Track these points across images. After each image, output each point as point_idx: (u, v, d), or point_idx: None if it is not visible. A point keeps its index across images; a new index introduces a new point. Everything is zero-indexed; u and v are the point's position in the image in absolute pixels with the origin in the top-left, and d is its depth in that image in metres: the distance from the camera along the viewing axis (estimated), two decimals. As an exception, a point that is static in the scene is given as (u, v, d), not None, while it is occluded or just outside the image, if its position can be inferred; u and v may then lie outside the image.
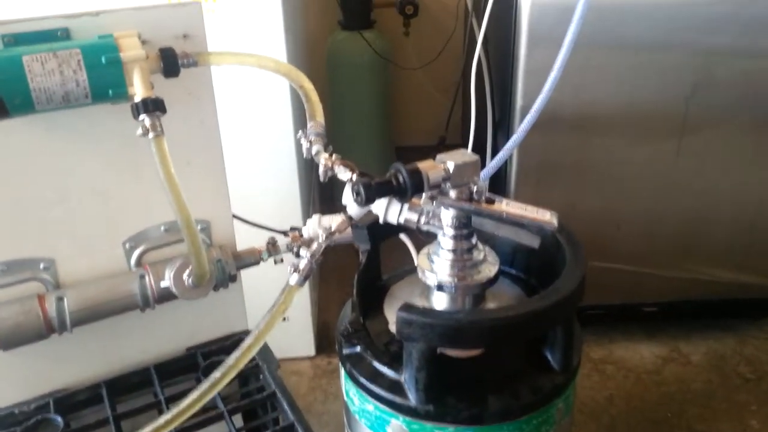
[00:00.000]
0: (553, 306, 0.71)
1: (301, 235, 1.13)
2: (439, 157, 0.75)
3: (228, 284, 1.07)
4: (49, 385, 1.03)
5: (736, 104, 1.51)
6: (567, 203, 1.62)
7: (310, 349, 1.76)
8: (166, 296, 1.03)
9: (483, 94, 1.71)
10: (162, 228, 1.06)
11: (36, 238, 0.98)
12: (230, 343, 1.16)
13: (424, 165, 0.72)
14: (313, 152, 0.85)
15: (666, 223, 1.64)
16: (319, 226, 1.10)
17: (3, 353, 0.95)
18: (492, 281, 0.80)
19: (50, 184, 0.96)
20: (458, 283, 0.79)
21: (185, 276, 0.98)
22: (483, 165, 1.77)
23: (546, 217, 0.74)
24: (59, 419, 0.96)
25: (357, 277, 0.85)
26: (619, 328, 1.79)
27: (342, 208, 0.88)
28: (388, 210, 0.79)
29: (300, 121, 1.66)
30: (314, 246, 0.81)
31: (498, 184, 1.60)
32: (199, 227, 1.09)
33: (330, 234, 0.80)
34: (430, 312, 0.70)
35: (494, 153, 1.73)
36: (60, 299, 0.97)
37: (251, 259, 1.09)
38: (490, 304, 0.84)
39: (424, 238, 0.85)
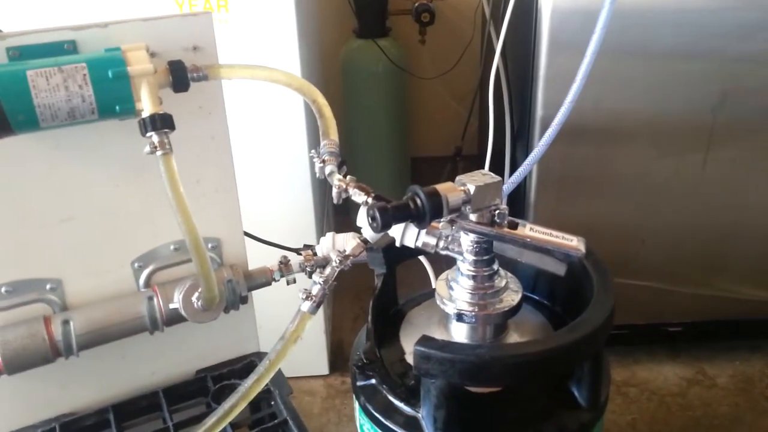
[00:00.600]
0: (581, 340, 0.67)
1: (315, 254, 1.09)
2: (459, 178, 0.71)
3: (239, 306, 1.04)
4: (55, 409, 1.01)
5: (766, 114, 1.45)
6: (589, 218, 1.57)
7: (323, 368, 1.72)
8: (175, 318, 1.00)
9: (501, 104, 1.67)
10: (171, 247, 1.03)
11: (42, 258, 0.95)
12: (241, 365, 1.12)
13: (443, 187, 0.68)
14: (327, 173, 0.81)
15: (692, 238, 1.58)
16: (333, 247, 1.06)
17: (8, 376, 0.92)
18: (515, 310, 0.76)
19: (56, 203, 0.94)
20: (479, 312, 0.74)
21: (194, 299, 0.95)
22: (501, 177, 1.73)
23: (572, 242, 0.70)
24: (65, 446, 0.93)
25: (372, 303, 0.81)
26: (643, 349, 1.73)
27: (356, 224, 0.85)
28: (405, 233, 0.75)
29: (314, 133, 1.62)
30: (327, 271, 0.77)
31: (516, 197, 1.55)
32: (209, 246, 1.06)
33: (344, 258, 0.76)
34: (449, 346, 0.65)
35: (513, 164, 1.69)
36: (66, 322, 0.94)
37: (263, 279, 1.06)
38: (513, 335, 0.79)
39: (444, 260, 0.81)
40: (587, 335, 0.67)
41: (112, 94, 0.83)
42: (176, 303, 0.98)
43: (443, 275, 0.80)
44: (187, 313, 0.97)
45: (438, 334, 0.80)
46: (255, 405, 1.05)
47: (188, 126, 0.97)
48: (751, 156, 1.50)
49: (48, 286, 0.96)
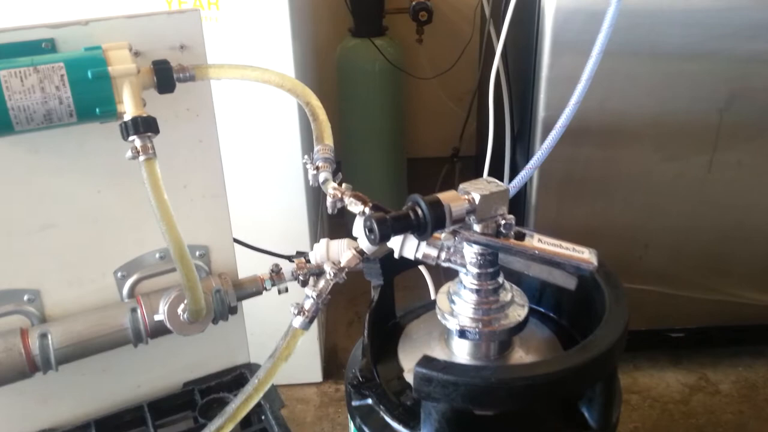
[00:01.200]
0: (594, 360, 0.62)
1: (308, 261, 1.05)
2: (463, 186, 0.66)
3: (228, 316, 0.99)
4: (34, 425, 0.97)
5: (774, 116, 1.41)
6: (591, 221, 1.53)
7: (316, 375, 1.67)
8: (160, 330, 0.95)
9: (501, 105, 1.62)
10: (157, 255, 0.98)
11: (19, 268, 0.90)
12: (231, 378, 1.08)
13: (445, 197, 0.63)
14: (320, 180, 0.76)
15: (696, 242, 1.54)
16: (327, 254, 1.02)
17: (-16, 391, 0.87)
18: (521, 326, 0.71)
19: (34, 209, 0.89)
20: (483, 329, 0.69)
21: (180, 310, 0.90)
22: (501, 180, 1.69)
23: (584, 255, 0.65)
24: (44, 463, 0.89)
25: (368, 317, 0.76)
26: (644, 355, 1.69)
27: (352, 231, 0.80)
28: (404, 244, 0.70)
29: (308, 133, 1.57)
30: (321, 284, 0.72)
31: (517, 200, 1.50)
32: (197, 254, 1.02)
33: (339, 270, 0.71)
34: (452, 368, 0.61)
35: (513, 167, 1.64)
36: (44, 336, 0.89)
37: (253, 288, 1.01)
38: (518, 351, 0.74)
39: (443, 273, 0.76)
40: (600, 355, 0.62)
41: (91, 95, 0.78)
42: (161, 315, 0.93)
43: (444, 287, 0.75)
44: (172, 326, 0.92)
45: (438, 351, 0.76)
46: (245, 420, 1.00)
47: (175, 129, 0.93)
48: (759, 158, 1.46)
49: (25, 297, 0.91)
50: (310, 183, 0.78)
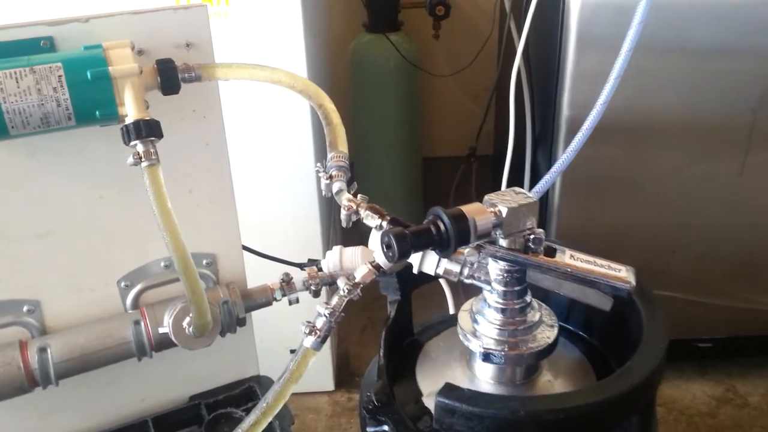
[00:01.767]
0: (631, 392, 0.57)
1: (320, 270, 1.00)
2: (488, 198, 0.61)
3: (236, 329, 0.94)
4: (35, 440, 0.92)
5: (811, 116, 1.34)
6: (617, 225, 1.46)
7: (328, 384, 1.62)
8: (165, 343, 0.91)
9: (521, 104, 1.56)
10: (162, 264, 0.94)
11: (18, 278, 0.86)
12: (239, 391, 1.03)
13: (470, 209, 0.58)
14: (334, 191, 0.71)
15: (726, 248, 1.47)
16: (340, 263, 0.97)
17: (-18, 406, 0.84)
18: (550, 349, 0.65)
19: (34, 216, 0.85)
20: (509, 352, 0.64)
21: (185, 324, 0.85)
22: (521, 183, 1.63)
23: (620, 273, 0.60)
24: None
25: (384, 335, 0.71)
26: (670, 365, 1.61)
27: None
28: (424, 260, 0.65)
29: (320, 135, 1.52)
30: (334, 301, 0.67)
31: (539, 203, 1.44)
32: (204, 262, 0.97)
33: (353, 287, 0.66)
34: (477, 398, 0.55)
35: (534, 169, 1.58)
36: (43, 350, 0.85)
37: (263, 298, 0.96)
38: (546, 374, 0.69)
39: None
40: (638, 385, 0.57)
41: (91, 97, 0.73)
42: (166, 327, 0.89)
43: (467, 305, 0.70)
44: (178, 340, 0.88)
45: (460, 373, 0.70)
46: (253, 438, 0.96)
47: (180, 131, 0.88)
48: (793, 161, 1.38)
49: (25, 308, 0.87)
50: (323, 193, 0.73)
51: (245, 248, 1.01)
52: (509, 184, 1.55)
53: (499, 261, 0.63)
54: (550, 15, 1.35)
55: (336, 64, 2.07)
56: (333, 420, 1.55)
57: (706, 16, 1.27)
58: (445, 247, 0.56)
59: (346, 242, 0.94)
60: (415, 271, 0.67)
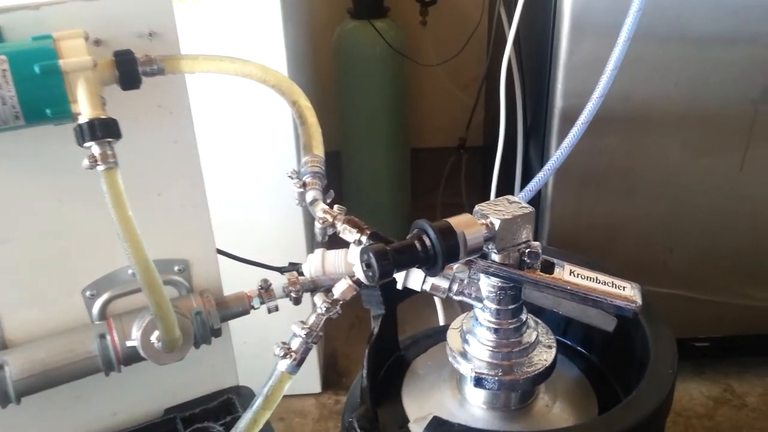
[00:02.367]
0: (638, 426, 0.51)
1: (301, 274, 0.94)
2: (479, 208, 0.55)
3: (210, 340, 0.88)
4: (-5, 460, 0.86)
5: (814, 108, 1.29)
6: (612, 219, 1.41)
7: (315, 386, 1.57)
8: (135, 357, 0.84)
9: (512, 94, 1.50)
10: (130, 271, 0.87)
11: (-27, 289, 0.80)
12: (217, 403, 0.98)
13: (459, 222, 0.51)
14: (308, 200, 0.64)
15: (726, 244, 1.42)
16: (322, 267, 0.91)
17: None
18: (548, 372, 0.60)
19: (-13, 223, 0.78)
20: (503, 377, 0.58)
21: (153, 338, 0.79)
22: (512, 180, 1.57)
23: (625, 291, 0.54)
24: None
25: (367, 353, 0.65)
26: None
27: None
28: (408, 275, 0.59)
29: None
30: (311, 320, 0.61)
31: (531, 199, 1.38)
32: (175, 269, 0.91)
33: (332, 304, 0.59)
34: (469, 434, 0.50)
35: (525, 162, 1.52)
36: (0, 367, 0.78)
37: (239, 307, 0.90)
38: (544, 397, 0.63)
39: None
40: (646, 418, 0.51)
41: (40, 94, 0.66)
42: (135, 340, 0.82)
43: (457, 321, 0.64)
44: (146, 354, 0.82)
45: (449, 396, 0.65)
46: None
47: (145, 129, 0.82)
48: (795, 154, 1.33)
49: (-20, 322, 0.80)
50: (296, 203, 0.66)
51: (220, 252, 0.95)
52: (500, 179, 1.49)
53: (491, 277, 0.57)
54: (541, 1, 1.28)
55: (319, 53, 2.00)
56: (320, 424, 1.50)
57: (707, 4, 1.21)
58: (431, 265, 0.50)
59: (332, 244, 0.87)
60: (399, 286, 0.61)
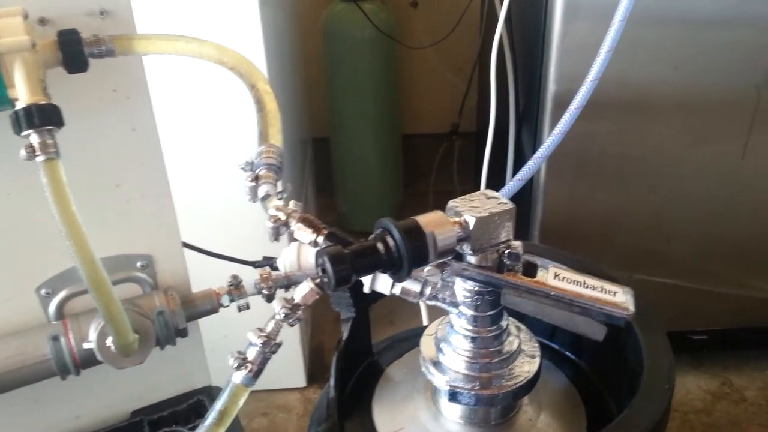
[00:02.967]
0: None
1: (275, 268, 0.88)
2: (452, 204, 0.49)
3: (175, 341, 0.82)
4: (-51, 468, 0.82)
5: (819, 92, 1.22)
6: (608, 209, 1.35)
7: (300, 380, 1.51)
8: (93, 359, 0.79)
9: (504, 77, 1.43)
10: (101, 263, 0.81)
11: None
12: (186, 406, 0.93)
13: (428, 221, 0.46)
14: (260, 196, 0.58)
15: (726, 236, 1.37)
16: (297, 263, 0.85)
17: None
18: (531, 384, 0.54)
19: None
20: (480, 391, 0.53)
21: (109, 342, 0.73)
22: (504, 168, 1.51)
23: (617, 297, 0.48)
24: None
25: (335, 361, 0.59)
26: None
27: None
28: (376, 277, 0.53)
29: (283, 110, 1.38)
30: (270, 327, 0.55)
31: (522, 188, 1.32)
32: (138, 264, 0.85)
33: (292, 310, 0.54)
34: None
35: (517, 149, 1.46)
36: (-56, 372, 0.72)
37: (207, 305, 0.85)
38: (527, 410, 0.58)
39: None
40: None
41: (-28, 77, 0.60)
42: (91, 342, 0.77)
43: (432, 327, 0.58)
44: (103, 357, 0.76)
45: (423, 409, 0.59)
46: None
47: (100, 116, 0.76)
48: (799, 141, 1.27)
49: (-74, 324, 0.75)
50: (248, 198, 0.60)
51: (187, 246, 0.89)
52: (491, 166, 1.43)
53: (467, 281, 0.51)
54: (535, -22, 1.22)
55: (306, 35, 1.93)
56: (305, 419, 1.45)
57: (708, -18, 1.15)
58: (396, 269, 0.45)
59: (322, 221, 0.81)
60: (366, 290, 0.55)
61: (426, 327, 0.61)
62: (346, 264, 0.43)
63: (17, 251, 0.79)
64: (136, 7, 0.73)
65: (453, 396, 0.53)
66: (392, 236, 0.44)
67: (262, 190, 0.58)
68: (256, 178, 0.59)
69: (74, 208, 0.61)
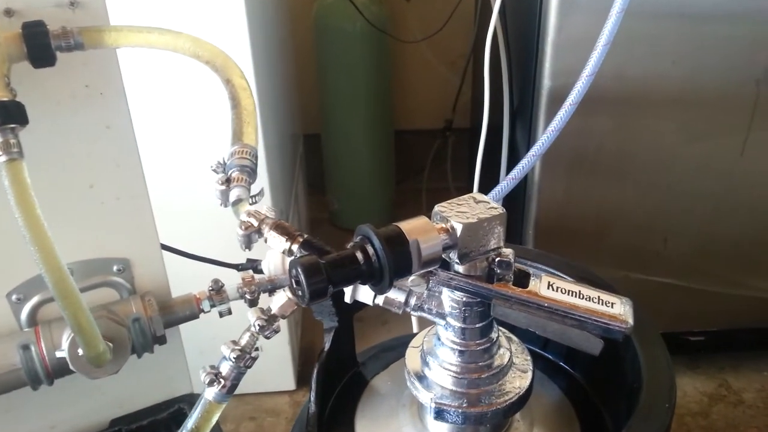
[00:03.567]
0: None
1: (260, 271, 0.85)
2: (438, 209, 0.45)
3: (152, 348, 0.79)
4: None
5: (820, 87, 1.19)
6: (603, 208, 1.32)
7: (289, 383, 1.48)
8: (67, 368, 0.75)
9: (498, 73, 1.40)
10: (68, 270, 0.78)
11: None
12: (167, 414, 0.90)
13: (411, 228, 0.42)
14: (231, 200, 0.55)
15: (724, 234, 1.34)
16: (282, 267, 0.82)
17: None
18: (522, 401, 0.51)
19: None
20: (468, 408, 0.49)
21: (80, 351, 0.70)
22: (498, 165, 1.48)
23: (614, 309, 0.45)
24: None
25: (316, 372, 0.56)
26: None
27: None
28: (357, 288, 0.50)
29: (263, 108, 1.34)
30: (245, 339, 0.51)
31: (517, 186, 1.29)
32: (114, 269, 0.81)
33: (268, 321, 0.50)
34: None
35: (511, 146, 1.43)
36: None
37: (187, 311, 0.81)
38: (519, 425, 0.55)
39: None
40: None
41: (-71, 71, 0.56)
42: (64, 351, 0.73)
43: (417, 338, 0.55)
44: (76, 367, 0.73)
45: (408, 425, 0.56)
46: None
47: (72, 113, 0.72)
48: (799, 138, 1.24)
49: None
50: (219, 203, 0.57)
51: (166, 248, 0.86)
52: (485, 163, 1.40)
53: (454, 291, 0.48)
54: (530, -29, 1.18)
55: (298, 29, 1.89)
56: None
57: (707, -26, 1.11)
58: (377, 281, 0.41)
59: (312, 234, 0.77)
60: (347, 299, 0.52)
61: (411, 335, 0.58)
62: (321, 275, 0.40)
63: (-14, 255, 0.75)
64: (110, -3, 0.70)
65: (439, 414, 0.50)
66: (372, 245, 0.41)
67: (234, 194, 0.55)
68: (228, 181, 0.55)
69: (39, 212, 0.57)
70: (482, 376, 0.50)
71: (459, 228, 0.44)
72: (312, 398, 0.56)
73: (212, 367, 0.53)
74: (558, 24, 1.15)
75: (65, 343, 0.73)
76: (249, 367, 0.52)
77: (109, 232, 0.79)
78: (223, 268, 0.98)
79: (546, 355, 0.63)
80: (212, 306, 0.81)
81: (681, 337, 1.45)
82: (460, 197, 0.46)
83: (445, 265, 0.47)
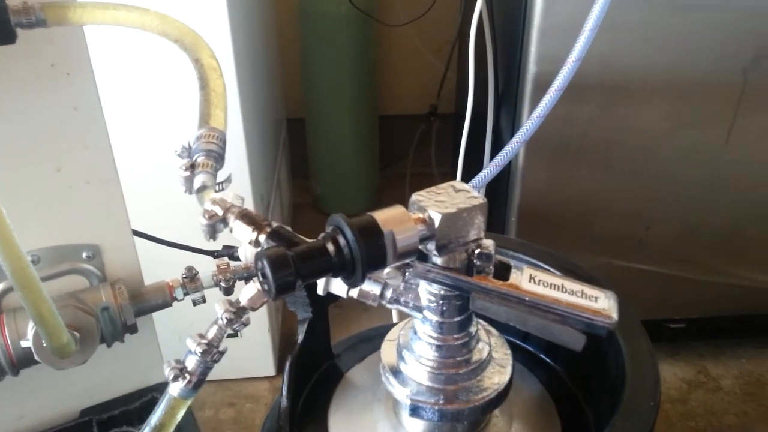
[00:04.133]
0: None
1: (236, 258, 0.83)
2: (416, 198, 0.43)
3: (123, 338, 0.77)
4: None
5: (807, 77, 1.19)
6: (587, 195, 1.31)
7: (269, 368, 1.46)
8: (32, 359, 0.72)
9: (483, 58, 1.37)
10: (28, 258, 0.75)
11: None
12: (139, 404, 0.87)
13: (386, 218, 0.40)
14: (195, 186, 0.52)
15: (707, 222, 1.34)
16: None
17: None
18: (501, 397, 0.49)
19: None
20: (445, 405, 0.48)
21: (45, 342, 0.67)
22: (482, 151, 1.46)
23: (598, 303, 0.43)
24: None
25: (289, 366, 0.54)
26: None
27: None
28: (330, 280, 0.47)
29: (247, 85, 1.31)
30: (212, 332, 0.49)
31: (500, 172, 1.27)
32: (83, 255, 0.79)
33: (237, 314, 0.48)
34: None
35: (496, 132, 1.41)
36: None
37: (159, 299, 0.79)
38: (497, 421, 0.53)
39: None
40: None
41: None
42: (29, 341, 0.70)
43: (394, 331, 0.53)
44: (41, 358, 0.70)
45: (383, 420, 0.54)
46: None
47: (37, 94, 0.69)
48: (784, 127, 1.24)
49: None
50: (184, 190, 0.54)
51: (138, 234, 0.83)
52: (469, 149, 1.38)
53: (432, 284, 0.46)
54: (516, -47, 1.16)
55: (283, 12, 1.85)
56: (272, 411, 1.40)
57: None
58: (349, 274, 0.39)
59: (296, 220, 0.75)
60: (320, 291, 0.50)
61: (390, 325, 0.56)
62: (289, 269, 0.38)
63: (-53, 241, 0.72)
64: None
65: (415, 410, 0.48)
66: (344, 235, 0.39)
67: (198, 181, 0.52)
68: (192, 167, 0.53)
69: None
70: (460, 371, 0.48)
71: (437, 218, 0.42)
72: (284, 392, 0.54)
73: (177, 361, 0.50)
74: (544, 9, 1.13)
75: (30, 333, 0.70)
76: (216, 361, 0.50)
77: (78, 217, 0.76)
78: (198, 255, 0.95)
79: (526, 347, 0.62)
80: (186, 294, 0.79)
81: (662, 324, 1.45)
82: (440, 185, 0.44)
83: (423, 257, 0.45)
